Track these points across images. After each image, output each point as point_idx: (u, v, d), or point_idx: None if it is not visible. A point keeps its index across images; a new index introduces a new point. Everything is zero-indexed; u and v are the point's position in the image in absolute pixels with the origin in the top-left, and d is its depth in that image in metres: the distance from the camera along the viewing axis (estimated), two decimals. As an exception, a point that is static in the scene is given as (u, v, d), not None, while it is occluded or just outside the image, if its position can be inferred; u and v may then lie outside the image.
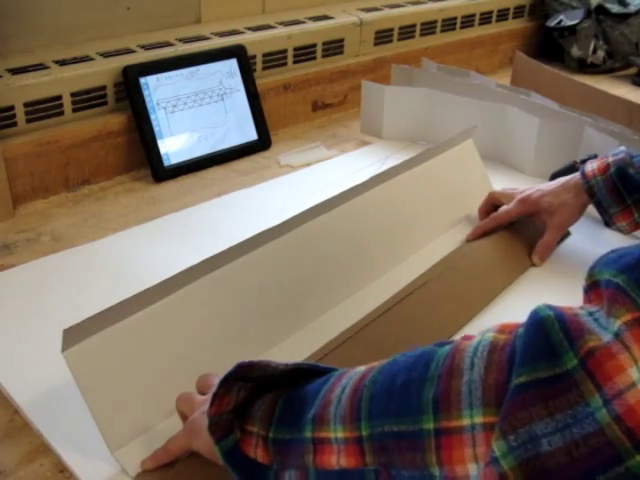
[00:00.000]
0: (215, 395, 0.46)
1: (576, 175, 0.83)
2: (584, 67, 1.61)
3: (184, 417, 0.55)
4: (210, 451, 0.48)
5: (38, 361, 0.67)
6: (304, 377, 0.48)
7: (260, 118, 1.16)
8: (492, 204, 0.90)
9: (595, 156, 0.95)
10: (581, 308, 0.38)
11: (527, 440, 0.33)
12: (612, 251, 0.39)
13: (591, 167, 0.81)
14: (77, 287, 0.79)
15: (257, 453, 0.46)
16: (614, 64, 1.62)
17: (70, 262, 0.84)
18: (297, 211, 0.72)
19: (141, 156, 1.05)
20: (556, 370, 0.34)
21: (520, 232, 0.87)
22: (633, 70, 1.62)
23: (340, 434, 0.41)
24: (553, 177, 0.98)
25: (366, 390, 0.41)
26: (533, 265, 0.85)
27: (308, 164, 1.12)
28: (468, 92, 1.15)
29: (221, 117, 1.12)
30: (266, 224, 0.69)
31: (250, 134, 1.15)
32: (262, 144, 1.16)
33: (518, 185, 1.06)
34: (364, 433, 0.40)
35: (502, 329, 0.39)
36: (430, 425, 0.37)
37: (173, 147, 1.07)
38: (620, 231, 0.82)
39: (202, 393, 0.56)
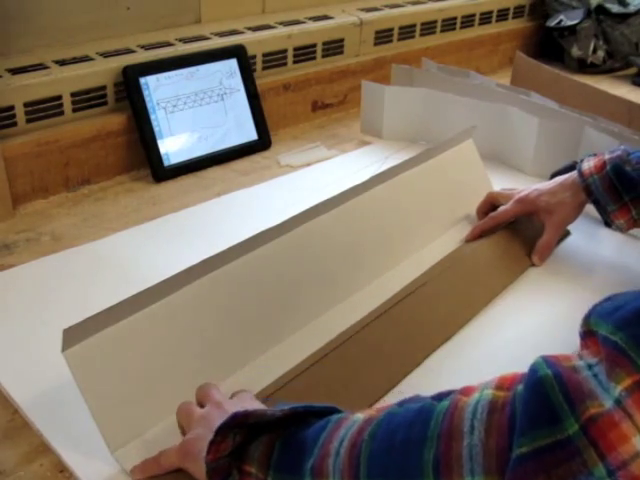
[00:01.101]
0: (212, 443, 0.46)
1: (573, 173, 0.82)
2: (584, 67, 1.61)
3: (182, 429, 0.55)
4: (203, 478, 0.48)
5: (38, 361, 0.67)
6: (300, 417, 0.47)
7: (260, 118, 1.16)
8: (490, 204, 0.90)
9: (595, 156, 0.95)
10: (579, 357, 0.38)
11: None
12: (607, 298, 0.39)
13: (588, 165, 0.81)
14: (77, 287, 0.79)
15: None
16: (614, 64, 1.62)
17: (70, 262, 0.84)
18: (297, 211, 0.72)
19: (141, 156, 1.05)
20: (557, 436, 0.33)
21: (519, 232, 0.87)
22: (633, 70, 1.62)
23: None
24: (553, 177, 0.98)
25: (365, 445, 0.41)
26: (533, 265, 0.84)
27: (308, 164, 1.12)
28: (468, 92, 1.15)
29: (221, 117, 1.12)
30: (266, 224, 0.69)
31: (250, 134, 1.15)
32: (262, 144, 1.16)
33: (518, 185, 1.06)
34: None
35: (500, 384, 0.39)
36: None
37: (173, 147, 1.07)
38: (619, 229, 0.82)
39: (201, 404, 0.56)
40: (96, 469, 0.56)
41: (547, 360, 0.37)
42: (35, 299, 0.77)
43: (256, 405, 0.54)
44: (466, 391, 0.40)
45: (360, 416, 0.44)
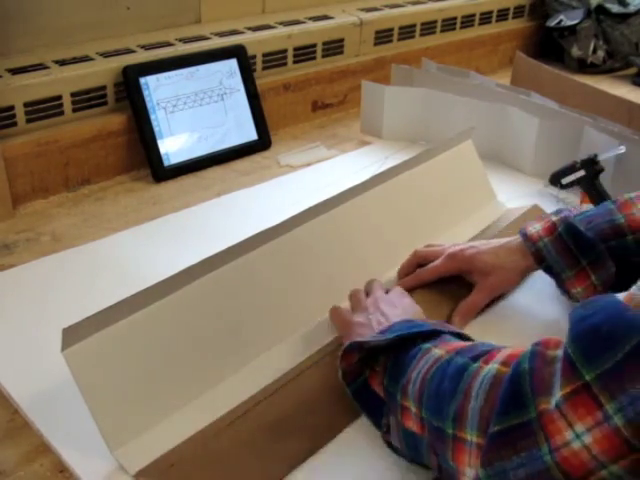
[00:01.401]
0: (343, 353, 0.59)
1: (515, 238, 0.74)
2: (584, 67, 1.61)
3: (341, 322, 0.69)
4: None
5: (38, 361, 0.67)
6: (406, 339, 0.58)
7: (260, 118, 1.16)
8: (416, 264, 0.79)
9: (595, 156, 0.95)
10: (565, 345, 0.45)
11: (500, 471, 0.44)
12: (583, 305, 0.46)
13: (534, 229, 0.72)
14: (77, 287, 0.79)
15: (380, 390, 0.59)
16: (614, 64, 1.62)
17: (70, 262, 0.84)
18: (297, 211, 0.72)
19: (141, 156, 1.05)
20: (523, 418, 0.44)
21: (444, 290, 0.76)
22: (633, 70, 1.62)
23: (414, 408, 0.53)
24: (553, 177, 0.98)
25: (427, 383, 0.53)
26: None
27: (308, 164, 1.12)
28: (468, 92, 1.15)
29: (221, 117, 1.12)
30: (266, 224, 0.69)
31: (250, 134, 1.15)
32: (262, 144, 1.16)
33: (518, 185, 1.06)
34: (424, 415, 0.52)
35: (505, 360, 0.49)
36: (450, 430, 0.49)
37: (173, 147, 1.07)
38: (575, 299, 0.71)
39: (368, 294, 0.72)
40: (96, 469, 0.56)
41: (534, 352, 0.46)
42: (35, 299, 0.77)
43: (404, 302, 0.69)
44: (489, 358, 0.50)
45: (436, 352, 0.54)
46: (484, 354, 0.51)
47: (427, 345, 0.56)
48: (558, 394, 0.43)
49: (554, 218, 0.72)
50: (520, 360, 0.47)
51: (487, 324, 0.75)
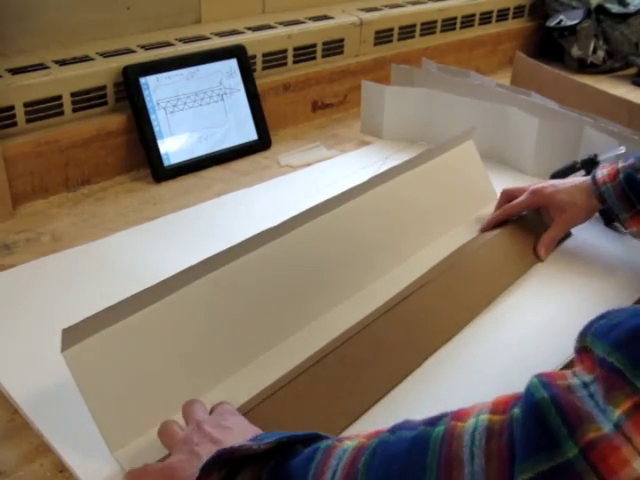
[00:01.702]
0: (200, 476, 0.45)
1: (587, 179, 0.84)
2: (584, 67, 1.61)
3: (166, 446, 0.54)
4: None
5: (38, 361, 0.67)
6: (285, 446, 0.46)
7: (260, 118, 1.16)
8: (506, 199, 0.91)
9: (595, 156, 0.95)
10: (574, 374, 0.38)
11: None
12: (602, 316, 0.39)
13: (601, 173, 0.82)
14: (77, 287, 0.79)
15: None
16: (614, 64, 1.62)
17: (70, 262, 0.84)
18: (297, 211, 0.72)
19: (141, 156, 1.05)
20: (557, 460, 0.34)
21: (527, 226, 0.88)
22: (633, 70, 1.62)
23: None
24: (553, 177, 0.98)
25: (360, 477, 0.40)
26: (536, 262, 0.85)
27: (308, 164, 1.12)
28: (468, 92, 1.15)
29: (221, 117, 1.12)
30: (266, 224, 0.69)
31: (250, 134, 1.15)
32: (262, 144, 1.16)
33: (518, 185, 1.06)
34: None
35: (496, 408, 0.39)
36: None
37: (173, 147, 1.07)
38: (633, 236, 0.83)
39: (186, 421, 0.56)
40: (96, 469, 0.56)
41: (542, 380, 0.38)
42: (35, 299, 0.77)
43: (236, 420, 0.54)
44: (460, 416, 0.40)
45: (350, 444, 0.43)
46: (440, 417, 0.41)
47: (327, 442, 0.44)
48: (614, 414, 0.34)
49: (619, 165, 0.81)
50: (530, 393, 0.38)
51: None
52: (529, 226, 0.88)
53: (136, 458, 0.55)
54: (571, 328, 0.53)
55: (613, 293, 0.80)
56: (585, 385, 0.37)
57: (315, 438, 0.46)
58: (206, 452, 0.48)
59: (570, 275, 0.83)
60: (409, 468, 0.39)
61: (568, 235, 0.90)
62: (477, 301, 0.76)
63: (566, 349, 0.66)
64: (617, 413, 0.34)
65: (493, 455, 0.37)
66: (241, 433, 0.51)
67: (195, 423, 0.53)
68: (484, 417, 0.39)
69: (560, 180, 0.89)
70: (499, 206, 0.91)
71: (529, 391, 0.38)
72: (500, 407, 0.39)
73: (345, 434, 0.55)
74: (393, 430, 0.42)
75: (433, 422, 0.41)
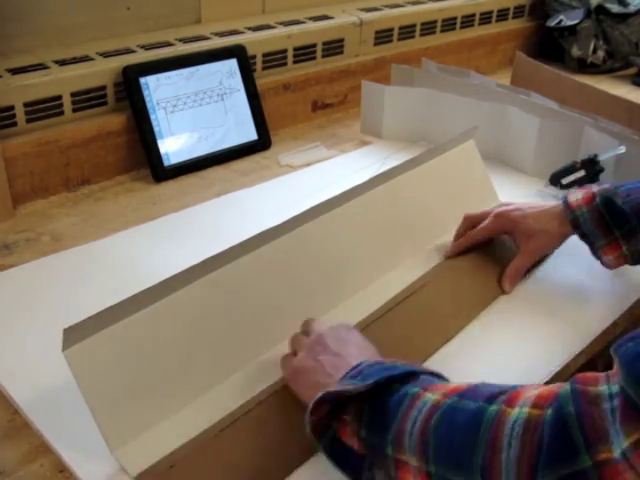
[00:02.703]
0: (315, 405, 0.52)
1: (558, 204, 0.78)
2: (584, 67, 1.61)
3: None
4: (305, 395, 0.56)
5: (38, 361, 0.67)
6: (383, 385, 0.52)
7: (260, 118, 1.16)
8: (469, 225, 0.84)
9: (595, 156, 0.95)
10: (607, 378, 0.43)
11: None
12: (631, 337, 0.43)
13: (575, 197, 0.76)
14: (77, 287, 0.79)
15: (353, 442, 0.52)
16: (614, 64, 1.62)
17: (70, 262, 0.84)
18: (297, 211, 0.72)
19: (141, 156, 1.05)
20: (575, 467, 0.40)
21: (492, 256, 0.82)
22: (633, 70, 1.62)
23: (414, 462, 0.48)
24: (553, 177, 0.99)
25: (431, 435, 0.47)
26: (500, 294, 0.79)
27: (308, 164, 1.12)
28: (468, 92, 1.15)
29: (221, 117, 1.12)
30: (266, 224, 0.69)
31: (250, 134, 1.15)
32: (262, 144, 1.16)
33: (518, 185, 1.06)
34: (432, 470, 0.47)
35: (537, 402, 0.45)
36: None
37: (173, 147, 1.07)
38: (607, 265, 0.76)
39: (307, 332, 0.63)
40: (96, 469, 0.56)
41: (574, 389, 0.43)
42: (35, 299, 0.77)
43: (352, 335, 0.61)
44: (511, 400, 0.46)
45: (430, 397, 0.49)
46: (498, 395, 0.47)
47: (414, 389, 0.51)
48: (623, 443, 0.39)
49: (595, 189, 0.76)
50: (561, 402, 0.43)
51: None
52: (495, 253, 0.83)
53: (136, 458, 0.55)
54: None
55: (583, 324, 0.75)
56: (611, 397, 0.41)
57: (409, 375, 0.52)
58: (328, 363, 0.57)
59: (536, 306, 0.77)
60: (466, 440, 0.46)
61: (543, 259, 0.84)
62: (431, 339, 0.71)
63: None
64: (626, 443, 0.39)
65: (525, 448, 0.42)
66: (360, 351, 0.59)
67: (318, 335, 0.61)
68: (525, 410, 0.44)
69: (527, 203, 0.82)
70: (460, 234, 0.85)
71: (560, 401, 0.43)
72: (540, 401, 0.44)
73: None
74: (463, 394, 0.48)
75: (492, 399, 0.47)
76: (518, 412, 0.44)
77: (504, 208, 0.82)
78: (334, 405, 0.53)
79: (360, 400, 0.52)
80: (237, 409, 0.60)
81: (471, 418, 0.46)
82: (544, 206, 0.80)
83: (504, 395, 0.47)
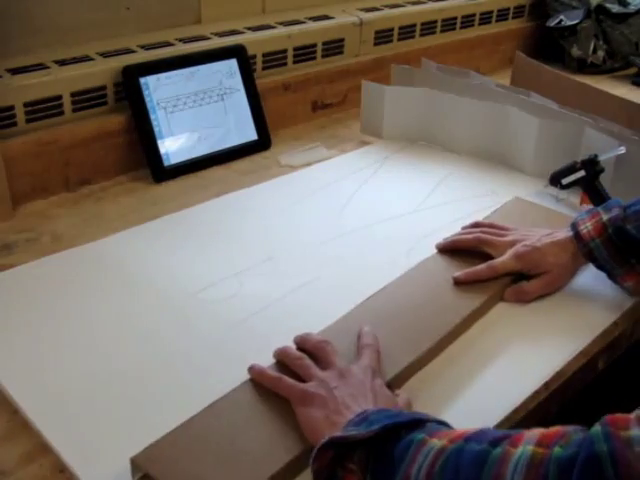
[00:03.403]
0: (319, 450, 0.51)
1: (568, 235, 0.78)
2: (584, 67, 1.61)
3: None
4: (308, 427, 0.56)
5: (38, 361, 0.67)
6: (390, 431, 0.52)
7: (260, 118, 1.16)
8: (475, 240, 0.83)
9: (595, 156, 0.95)
10: (638, 421, 0.42)
11: None
12: None
13: (585, 228, 0.76)
14: (77, 287, 0.79)
15: None
16: (614, 64, 1.62)
17: (70, 262, 0.84)
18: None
19: (141, 156, 1.05)
20: None
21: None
22: (633, 70, 1.62)
23: None
24: (553, 177, 0.98)
25: (436, 477, 0.47)
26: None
27: (308, 164, 1.12)
28: (468, 92, 1.15)
29: (221, 117, 1.12)
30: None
31: (250, 134, 1.15)
32: (262, 144, 1.16)
33: (518, 185, 1.06)
34: None
35: (541, 441, 0.45)
36: None
37: (173, 147, 1.07)
38: (627, 291, 0.77)
39: (315, 360, 0.62)
40: (96, 469, 0.56)
41: (605, 431, 0.42)
42: (35, 299, 0.77)
43: (374, 387, 0.59)
44: (515, 441, 0.46)
45: (436, 444, 0.49)
46: (503, 438, 0.47)
47: (419, 436, 0.50)
48: None
49: (604, 218, 0.75)
50: (592, 440, 0.42)
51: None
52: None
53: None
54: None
55: (582, 324, 0.75)
56: None
57: (416, 423, 0.52)
58: (342, 401, 0.56)
59: (536, 306, 0.77)
60: (469, 478, 0.46)
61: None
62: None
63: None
64: None
65: None
66: (372, 392, 0.58)
67: (338, 370, 0.60)
68: (529, 448, 0.45)
69: (536, 233, 0.81)
70: (465, 243, 0.83)
71: (590, 439, 0.42)
72: (544, 441, 0.45)
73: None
74: (469, 438, 0.48)
75: (497, 442, 0.47)
76: (522, 450, 0.45)
77: (522, 249, 0.78)
78: (338, 452, 0.52)
79: (365, 447, 0.51)
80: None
81: (475, 459, 0.46)
82: (555, 238, 0.79)
83: (509, 438, 0.47)
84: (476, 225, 0.87)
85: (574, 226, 0.77)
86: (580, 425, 0.45)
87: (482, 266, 0.79)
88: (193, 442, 0.56)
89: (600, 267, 0.76)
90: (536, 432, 0.46)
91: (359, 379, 0.59)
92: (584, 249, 0.76)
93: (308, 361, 0.62)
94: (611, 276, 0.77)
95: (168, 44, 1.12)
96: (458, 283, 0.78)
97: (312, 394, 0.58)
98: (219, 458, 0.55)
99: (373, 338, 0.66)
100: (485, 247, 0.82)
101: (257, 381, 0.62)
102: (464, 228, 0.88)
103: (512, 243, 0.80)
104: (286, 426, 0.58)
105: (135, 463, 0.54)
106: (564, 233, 0.79)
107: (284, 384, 0.60)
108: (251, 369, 0.63)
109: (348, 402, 0.56)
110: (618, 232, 0.73)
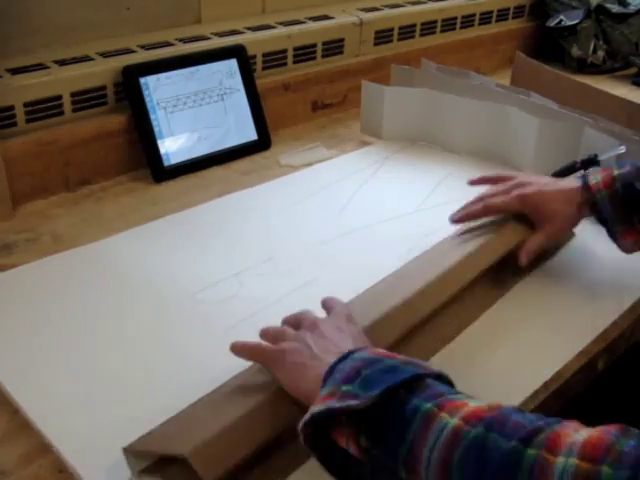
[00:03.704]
0: (310, 420, 0.48)
1: (576, 184, 0.77)
2: (584, 67, 1.61)
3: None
4: (285, 379, 0.54)
5: (38, 361, 0.67)
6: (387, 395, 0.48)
7: (260, 118, 1.16)
8: (485, 180, 0.86)
9: (595, 156, 0.95)
10: None
11: None
12: None
13: (595, 179, 0.75)
14: (77, 287, 0.79)
15: (349, 446, 0.48)
16: (614, 64, 1.62)
17: (70, 262, 0.84)
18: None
19: (141, 156, 1.05)
20: None
21: (510, 237, 0.80)
22: (633, 70, 1.62)
23: None
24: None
25: (455, 472, 0.42)
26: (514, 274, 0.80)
27: (308, 164, 1.12)
28: (468, 92, 1.15)
29: (221, 117, 1.12)
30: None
31: (250, 134, 1.15)
32: (262, 144, 1.16)
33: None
34: None
35: (584, 452, 0.40)
36: None
37: (173, 147, 1.07)
38: (623, 249, 0.76)
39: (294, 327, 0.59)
40: (96, 469, 0.56)
41: None
42: (35, 299, 0.77)
43: (351, 330, 0.57)
44: (552, 445, 0.41)
45: (449, 421, 0.44)
46: (533, 434, 0.42)
47: (426, 405, 0.45)
48: None
49: (615, 172, 0.75)
50: None
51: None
52: (512, 232, 0.81)
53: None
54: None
55: (583, 324, 0.75)
56: None
57: (415, 380, 0.47)
58: (320, 347, 0.54)
59: (536, 306, 0.78)
60: None
61: (570, 237, 0.87)
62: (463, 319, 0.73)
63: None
64: None
65: None
66: (354, 340, 0.56)
67: (310, 320, 0.59)
68: (573, 461, 0.39)
69: (544, 179, 0.82)
70: (474, 211, 0.83)
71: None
72: (589, 452, 0.40)
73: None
74: (490, 424, 0.43)
75: (529, 439, 0.42)
76: (564, 463, 0.40)
77: (525, 191, 0.79)
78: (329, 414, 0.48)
79: (356, 422, 0.47)
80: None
81: (506, 459, 0.41)
82: (561, 185, 0.79)
83: (542, 435, 0.42)
84: (485, 180, 0.87)
85: (584, 177, 0.77)
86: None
87: (477, 206, 0.81)
88: (182, 425, 0.56)
89: (601, 221, 0.75)
90: (577, 438, 0.41)
91: (333, 324, 0.58)
92: (590, 200, 0.75)
93: (283, 327, 0.60)
94: (610, 232, 0.76)
95: (168, 44, 1.12)
96: (456, 222, 0.81)
97: (283, 350, 0.55)
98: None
99: (338, 300, 0.64)
100: (496, 214, 0.82)
101: (240, 357, 0.59)
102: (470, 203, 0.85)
103: (517, 185, 0.81)
104: (272, 397, 0.56)
105: (128, 451, 0.54)
106: (572, 183, 0.78)
107: (259, 349, 0.57)
108: (233, 346, 0.59)
109: (325, 346, 0.54)
110: (627, 188, 0.73)
